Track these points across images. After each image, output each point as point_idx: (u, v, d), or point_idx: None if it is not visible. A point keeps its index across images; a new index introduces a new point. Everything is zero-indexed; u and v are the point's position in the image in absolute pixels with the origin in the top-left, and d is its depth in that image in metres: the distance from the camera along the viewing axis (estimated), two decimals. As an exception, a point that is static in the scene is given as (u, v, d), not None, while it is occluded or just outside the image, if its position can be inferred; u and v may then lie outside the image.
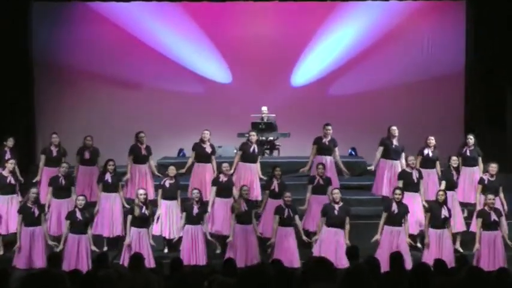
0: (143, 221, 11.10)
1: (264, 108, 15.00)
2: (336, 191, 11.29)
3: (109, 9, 16.49)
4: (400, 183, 11.72)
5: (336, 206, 11.11)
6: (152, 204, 11.68)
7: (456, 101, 16.55)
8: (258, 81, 16.55)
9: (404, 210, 11.06)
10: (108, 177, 11.96)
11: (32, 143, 15.95)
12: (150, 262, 10.88)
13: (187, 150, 15.49)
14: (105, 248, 11.80)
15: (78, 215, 11.03)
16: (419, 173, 11.93)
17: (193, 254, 11.15)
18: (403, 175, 11.90)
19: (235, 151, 13.59)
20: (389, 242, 10.86)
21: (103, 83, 16.61)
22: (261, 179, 12.53)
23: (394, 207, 11.00)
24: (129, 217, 11.15)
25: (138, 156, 12.61)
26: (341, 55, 16.85)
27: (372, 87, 16.73)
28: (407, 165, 11.97)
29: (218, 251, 11.89)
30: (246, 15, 16.64)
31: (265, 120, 14.89)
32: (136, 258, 7.86)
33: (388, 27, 16.63)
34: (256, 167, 12.58)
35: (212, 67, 16.86)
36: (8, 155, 12.56)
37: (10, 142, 12.82)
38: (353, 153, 15.39)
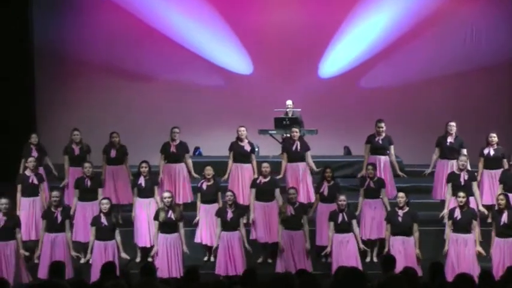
0: (170, 227, 11.00)
1: (289, 102, 14.90)
2: (401, 194, 11.06)
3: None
4: (449, 186, 11.65)
5: (400, 212, 10.94)
6: (191, 208, 11.70)
7: (503, 95, 16.40)
8: (282, 72, 16.49)
9: (470, 215, 10.86)
10: (141, 180, 11.87)
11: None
12: (178, 271, 10.88)
13: (203, 148, 15.52)
14: (138, 259, 11.80)
15: (103, 220, 10.92)
16: (470, 174, 11.78)
17: (229, 263, 11.05)
18: (451, 177, 11.79)
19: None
20: (455, 251, 10.71)
21: (113, 75, 16.63)
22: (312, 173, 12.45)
23: (457, 214, 10.82)
24: (156, 223, 11.09)
25: (168, 154, 12.55)
26: (374, 44, 16.72)
27: (408, 79, 16.62)
28: (457, 166, 11.86)
29: (260, 260, 11.86)
30: (269, -1, 16.63)
31: (289, 115, 14.80)
32: (148, 268, 7.88)
33: (427, 13, 16.48)
34: (303, 165, 12.44)
35: (232, 57, 16.81)
36: (34, 153, 12.66)
37: (34, 139, 12.93)
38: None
